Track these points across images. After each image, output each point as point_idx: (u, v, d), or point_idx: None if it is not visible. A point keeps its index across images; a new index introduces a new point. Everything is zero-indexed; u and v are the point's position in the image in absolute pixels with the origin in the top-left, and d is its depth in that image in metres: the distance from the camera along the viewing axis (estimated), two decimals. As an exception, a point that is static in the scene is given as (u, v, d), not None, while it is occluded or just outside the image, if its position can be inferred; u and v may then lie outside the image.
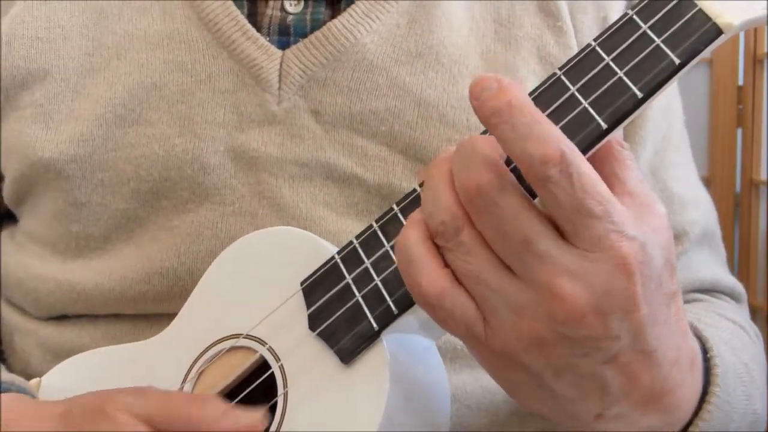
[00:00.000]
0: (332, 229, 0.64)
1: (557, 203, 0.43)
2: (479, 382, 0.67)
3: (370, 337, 0.51)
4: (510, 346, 0.45)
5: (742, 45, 1.18)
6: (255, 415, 0.50)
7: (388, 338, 0.51)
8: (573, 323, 0.43)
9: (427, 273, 0.45)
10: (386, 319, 0.50)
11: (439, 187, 0.46)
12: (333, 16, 0.68)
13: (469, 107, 0.65)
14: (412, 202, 0.52)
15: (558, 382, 0.46)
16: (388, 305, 0.50)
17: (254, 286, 0.56)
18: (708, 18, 0.46)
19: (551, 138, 0.42)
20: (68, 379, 0.61)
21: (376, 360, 0.50)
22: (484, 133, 0.48)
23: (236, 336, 0.55)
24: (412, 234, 0.46)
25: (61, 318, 0.70)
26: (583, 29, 0.70)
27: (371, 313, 0.51)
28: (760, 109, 1.16)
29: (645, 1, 0.48)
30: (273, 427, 0.52)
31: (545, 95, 0.48)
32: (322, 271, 0.54)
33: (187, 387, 0.56)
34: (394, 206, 0.52)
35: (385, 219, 0.52)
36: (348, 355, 0.51)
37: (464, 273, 0.45)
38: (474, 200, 0.44)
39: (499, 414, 0.68)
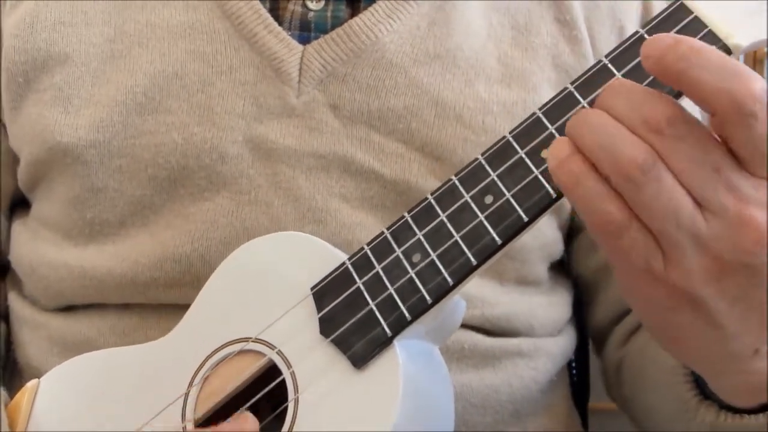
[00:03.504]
0: (347, 221, 0.65)
1: (750, 135, 0.43)
2: (484, 381, 0.67)
3: (383, 343, 0.51)
4: (690, 280, 0.44)
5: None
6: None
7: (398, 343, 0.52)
8: (760, 249, 0.43)
9: (611, 202, 0.44)
10: (400, 326, 0.51)
11: (614, 130, 0.44)
12: (353, 15, 0.69)
13: (485, 109, 0.68)
14: (423, 210, 0.52)
15: (728, 314, 0.45)
16: (402, 312, 0.51)
17: (263, 290, 0.56)
18: (717, 39, 0.47)
19: (750, 74, 0.43)
20: (68, 382, 0.59)
21: (388, 364, 0.51)
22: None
23: (245, 340, 0.55)
24: (578, 167, 0.45)
25: (70, 309, 0.70)
26: (600, 38, 0.72)
27: (384, 319, 0.51)
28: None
29: (656, 20, 0.48)
30: (285, 428, 0.52)
31: (559, 108, 0.49)
32: (332, 276, 0.54)
33: (193, 390, 0.55)
34: (406, 214, 0.53)
35: (396, 226, 0.53)
36: (360, 359, 0.51)
37: (654, 209, 0.43)
38: (665, 132, 0.43)
39: (503, 413, 0.69)
